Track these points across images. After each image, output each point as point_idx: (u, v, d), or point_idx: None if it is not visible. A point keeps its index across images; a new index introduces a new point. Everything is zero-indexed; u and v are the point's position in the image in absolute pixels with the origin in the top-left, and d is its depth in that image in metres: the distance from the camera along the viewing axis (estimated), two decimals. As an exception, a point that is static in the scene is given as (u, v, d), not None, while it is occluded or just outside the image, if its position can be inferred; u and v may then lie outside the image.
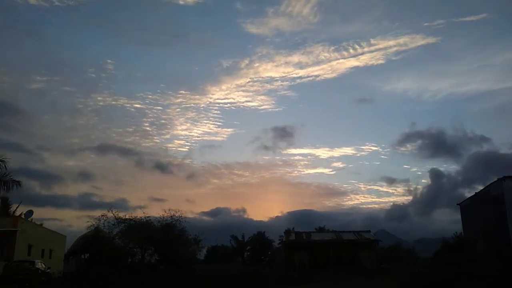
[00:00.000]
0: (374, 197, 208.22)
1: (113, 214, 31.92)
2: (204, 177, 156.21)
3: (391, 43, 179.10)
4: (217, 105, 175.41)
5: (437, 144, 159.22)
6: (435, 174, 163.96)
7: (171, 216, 33.32)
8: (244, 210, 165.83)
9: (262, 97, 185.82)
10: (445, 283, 14.44)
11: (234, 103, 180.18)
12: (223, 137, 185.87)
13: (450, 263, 19.45)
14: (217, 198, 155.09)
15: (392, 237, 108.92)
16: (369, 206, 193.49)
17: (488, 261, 16.93)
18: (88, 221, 32.11)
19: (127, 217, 32.56)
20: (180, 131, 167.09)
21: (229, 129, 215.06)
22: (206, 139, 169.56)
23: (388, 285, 21.38)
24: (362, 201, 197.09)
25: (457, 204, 36.11)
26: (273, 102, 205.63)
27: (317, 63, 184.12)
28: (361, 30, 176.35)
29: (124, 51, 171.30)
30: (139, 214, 33.41)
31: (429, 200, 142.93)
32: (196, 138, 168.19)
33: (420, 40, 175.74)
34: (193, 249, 36.25)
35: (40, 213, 77.75)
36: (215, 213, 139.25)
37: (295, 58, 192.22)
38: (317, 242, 41.28)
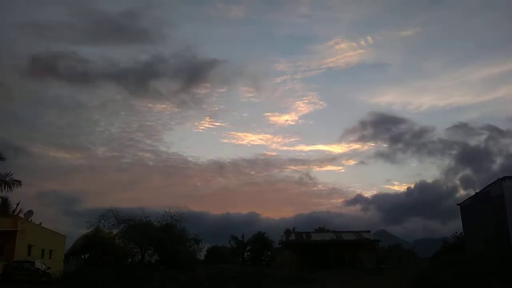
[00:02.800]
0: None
1: (114, 214, 31.96)
2: (210, 175, 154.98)
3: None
4: (223, 101, 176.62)
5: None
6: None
7: (171, 216, 33.40)
8: (253, 209, 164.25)
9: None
10: (445, 283, 14.45)
11: (239, 98, 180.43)
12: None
13: (450, 263, 19.44)
14: (224, 197, 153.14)
15: (392, 237, 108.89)
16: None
17: (488, 261, 16.93)
18: (88, 221, 32.20)
19: (127, 217, 32.62)
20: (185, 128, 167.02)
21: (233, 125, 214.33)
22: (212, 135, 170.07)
23: (388, 285, 21.40)
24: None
25: (457, 204, 36.10)
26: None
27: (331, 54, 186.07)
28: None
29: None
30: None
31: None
32: (203, 136, 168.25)
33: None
34: (193, 249, 36.27)
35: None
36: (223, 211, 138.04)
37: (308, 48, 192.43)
38: (317, 242, 41.27)
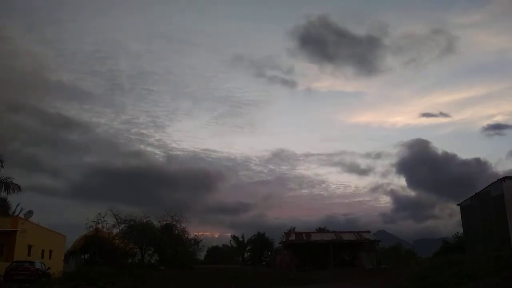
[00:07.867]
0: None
1: (114, 214, 31.95)
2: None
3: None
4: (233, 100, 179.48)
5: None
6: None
7: (171, 217, 33.40)
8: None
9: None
10: (445, 283, 14.45)
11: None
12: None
13: (449, 263, 19.43)
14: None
15: (392, 237, 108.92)
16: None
17: (488, 261, 16.92)
18: (88, 221, 32.15)
19: (127, 217, 32.61)
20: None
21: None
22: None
23: (388, 285, 21.40)
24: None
25: (457, 205, 36.09)
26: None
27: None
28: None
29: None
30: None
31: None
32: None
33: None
34: (193, 249, 36.22)
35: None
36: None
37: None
38: (317, 242, 41.24)
